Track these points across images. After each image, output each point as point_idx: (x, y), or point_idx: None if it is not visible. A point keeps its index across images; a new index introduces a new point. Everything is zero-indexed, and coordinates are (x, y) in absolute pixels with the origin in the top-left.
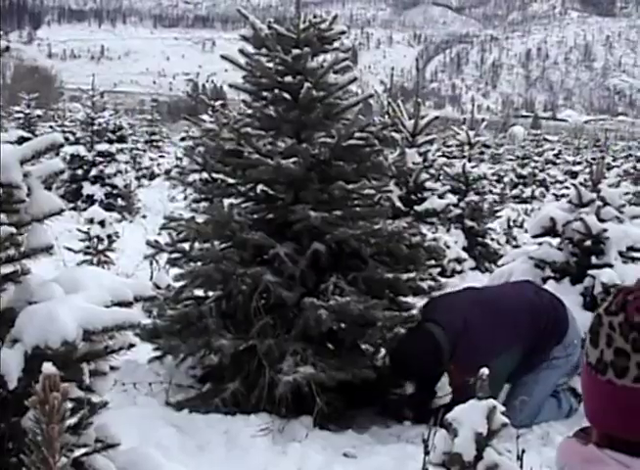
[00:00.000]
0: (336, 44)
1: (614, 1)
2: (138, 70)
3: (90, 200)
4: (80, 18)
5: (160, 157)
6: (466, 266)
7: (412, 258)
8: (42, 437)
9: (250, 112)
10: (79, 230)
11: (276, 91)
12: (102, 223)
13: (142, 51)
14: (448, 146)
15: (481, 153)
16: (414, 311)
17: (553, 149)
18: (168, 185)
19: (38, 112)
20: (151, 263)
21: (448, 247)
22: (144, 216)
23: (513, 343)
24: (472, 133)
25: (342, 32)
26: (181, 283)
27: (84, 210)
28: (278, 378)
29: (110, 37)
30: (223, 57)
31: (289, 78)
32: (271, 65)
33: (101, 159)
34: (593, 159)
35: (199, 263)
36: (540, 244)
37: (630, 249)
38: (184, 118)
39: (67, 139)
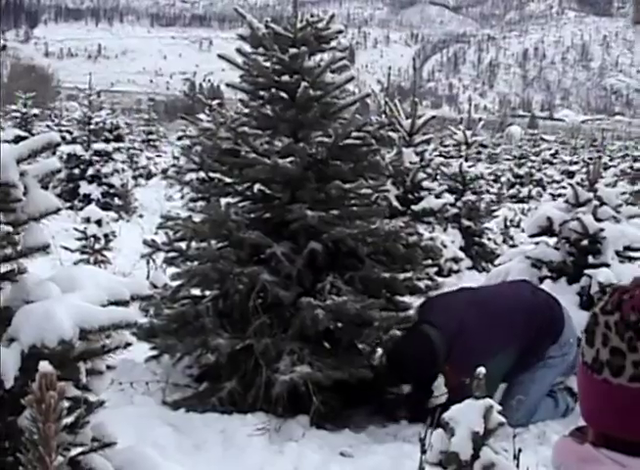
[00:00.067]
0: (333, 43)
1: (611, 1)
2: (135, 70)
3: (87, 199)
4: (77, 16)
5: (157, 156)
6: (463, 266)
7: (409, 258)
8: (39, 436)
9: (247, 111)
10: (76, 229)
11: (273, 90)
12: (99, 222)
13: (139, 50)
14: (445, 145)
15: (479, 152)
16: (411, 311)
17: (550, 149)
18: (165, 184)
19: (35, 111)
20: (147, 263)
21: (445, 246)
22: (141, 216)
23: (509, 343)
24: (469, 133)
25: (340, 32)
26: (178, 282)
27: (81, 209)
28: (275, 377)
29: (107, 36)
30: (220, 56)
31: (286, 78)
32: (268, 64)
33: (98, 158)
34: (590, 158)
35: (195, 263)
36: (537, 243)
37: (627, 248)
38: (181, 118)
39: (63, 138)
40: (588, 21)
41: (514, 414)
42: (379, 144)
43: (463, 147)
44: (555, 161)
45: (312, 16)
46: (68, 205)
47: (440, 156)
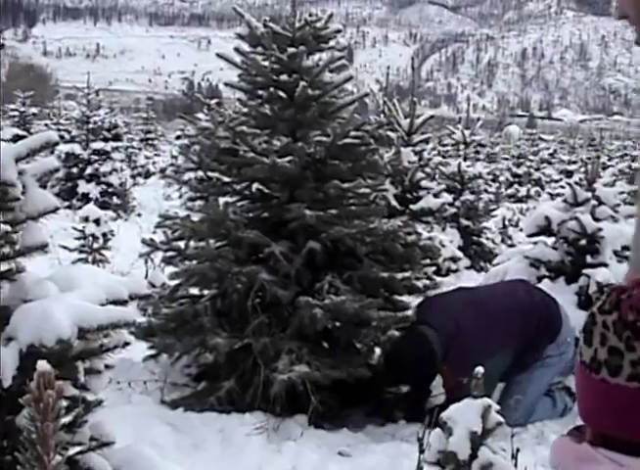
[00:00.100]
0: (331, 43)
1: (609, 0)
2: (133, 69)
3: (85, 198)
4: (76, 16)
5: (156, 155)
6: (461, 265)
7: (407, 257)
8: (37, 435)
9: (245, 110)
10: (74, 228)
11: (271, 90)
12: (97, 222)
13: (137, 49)
14: (444, 145)
15: (477, 152)
16: (409, 311)
17: (548, 148)
18: (164, 183)
19: (33, 110)
20: (146, 262)
21: (443, 246)
22: (139, 215)
23: (506, 343)
24: (467, 132)
25: (338, 31)
26: (176, 281)
27: (79, 208)
28: (273, 377)
29: (105, 35)
30: (219, 55)
31: (284, 77)
32: (267, 63)
33: (96, 157)
34: (588, 158)
35: (194, 262)
36: (535, 243)
37: (625, 248)
38: (179, 117)
39: (62, 137)
40: (587, 20)
41: (512, 414)
42: (377, 143)
43: (461, 146)
44: (553, 160)
45: (311, 15)
46: (67, 204)
47: (439, 155)
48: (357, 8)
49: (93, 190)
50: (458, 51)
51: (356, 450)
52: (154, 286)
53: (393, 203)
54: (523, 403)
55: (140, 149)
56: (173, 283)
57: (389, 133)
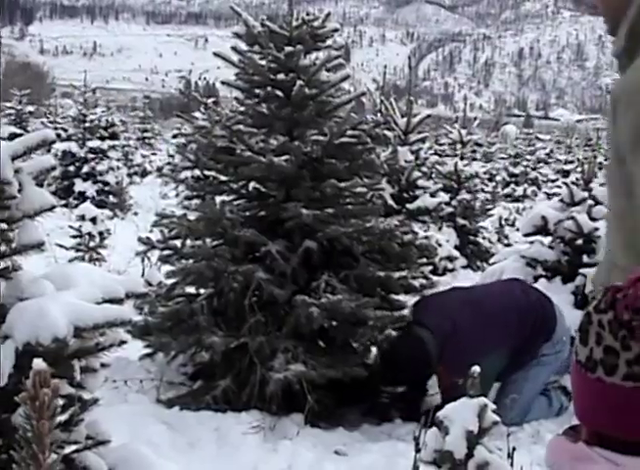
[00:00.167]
0: (328, 42)
1: None
2: (130, 67)
3: (82, 197)
4: (72, 14)
5: (152, 154)
6: (458, 265)
7: (404, 257)
8: (32, 433)
9: (242, 109)
10: (71, 227)
11: (268, 88)
12: (93, 220)
13: (134, 48)
14: (441, 144)
15: (474, 151)
16: (405, 310)
17: (545, 148)
18: (160, 182)
19: (30, 108)
20: (142, 260)
21: (440, 245)
22: (135, 213)
23: (502, 343)
24: (464, 132)
25: (335, 30)
26: (172, 280)
27: (76, 206)
28: (269, 375)
29: (102, 34)
30: (216, 54)
31: (281, 76)
32: (264, 62)
33: (93, 155)
34: (585, 158)
35: (190, 261)
36: (532, 242)
37: None
38: (176, 116)
39: (58, 136)
40: (584, 20)
41: (508, 413)
42: (374, 142)
43: (458, 146)
44: (550, 160)
45: (308, 14)
46: (63, 202)
47: (436, 154)
48: (354, 7)
49: (90, 188)
50: (455, 50)
51: (352, 449)
52: (150, 285)
53: (390, 202)
54: (519, 402)
55: (137, 147)
56: (170, 282)
57: (386, 132)
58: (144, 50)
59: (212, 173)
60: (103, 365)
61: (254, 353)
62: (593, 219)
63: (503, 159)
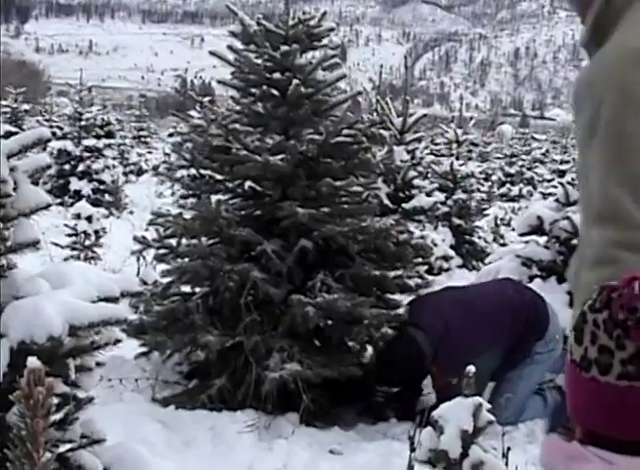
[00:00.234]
0: (324, 41)
1: None
2: (126, 66)
3: (77, 195)
4: (68, 12)
5: (148, 152)
6: (453, 264)
7: (399, 256)
8: (27, 432)
9: (238, 108)
10: (66, 225)
11: (264, 87)
12: (89, 219)
13: (130, 46)
14: (436, 144)
15: (469, 151)
16: (401, 309)
17: (541, 147)
18: (156, 181)
19: (25, 106)
20: (138, 259)
21: (435, 245)
22: (131, 212)
23: (495, 342)
24: (460, 131)
25: (331, 29)
26: (168, 279)
27: (71, 205)
28: (264, 375)
29: (98, 32)
30: (212, 53)
31: (277, 75)
32: (260, 61)
33: (88, 154)
34: None
35: (186, 259)
36: (527, 242)
37: None
38: (172, 114)
39: (54, 134)
40: (580, 20)
41: (503, 412)
42: (370, 142)
43: (454, 145)
44: (546, 160)
45: (304, 13)
46: (59, 201)
47: (431, 154)
48: (350, 6)
49: (85, 187)
50: (451, 50)
51: (347, 449)
52: (145, 283)
53: (386, 201)
54: (513, 401)
55: (132, 146)
56: (165, 281)
57: (382, 132)
58: (140, 49)
59: (208, 172)
60: (98, 364)
61: (250, 353)
62: None
63: (499, 158)
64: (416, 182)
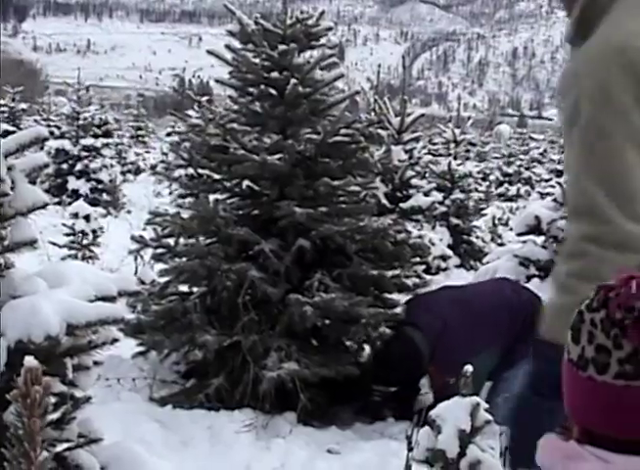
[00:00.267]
0: (322, 40)
1: None
2: (124, 65)
3: (75, 194)
4: (66, 11)
5: (146, 152)
6: (451, 264)
7: (397, 255)
8: (24, 431)
9: (235, 107)
10: (64, 225)
11: (262, 87)
12: (87, 218)
13: (128, 45)
14: (434, 144)
15: (467, 151)
16: (398, 309)
17: (538, 147)
18: (154, 180)
19: (23, 105)
20: (135, 259)
21: (433, 244)
22: (129, 211)
23: (492, 342)
24: (458, 131)
25: (329, 29)
26: (166, 278)
27: (69, 204)
28: (262, 374)
29: (96, 31)
30: (209, 52)
31: (275, 74)
32: (257, 60)
33: (86, 153)
34: None
35: (183, 259)
36: (525, 242)
37: None
38: (170, 114)
39: (52, 133)
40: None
41: (500, 412)
42: (368, 141)
43: (452, 145)
44: (544, 159)
45: (302, 12)
46: (56, 200)
47: (429, 154)
48: (349, 6)
49: (83, 186)
50: (449, 50)
51: (345, 448)
52: (143, 283)
53: (383, 201)
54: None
55: (130, 146)
56: (163, 280)
57: (380, 131)
58: (138, 48)
59: (206, 172)
60: (95, 363)
61: (248, 352)
62: None
63: (497, 158)
64: (414, 182)
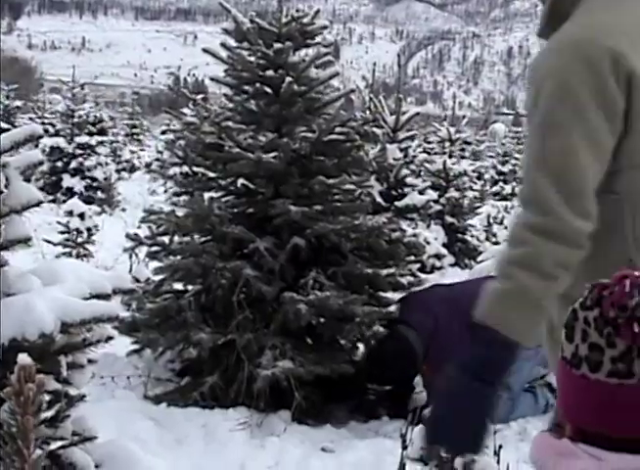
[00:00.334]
0: (318, 39)
1: None
2: (119, 63)
3: (70, 192)
4: (61, 9)
5: (141, 150)
6: (446, 263)
7: (392, 254)
8: (17, 428)
9: (231, 105)
10: (59, 223)
11: (257, 85)
12: (81, 216)
13: (123, 43)
14: (429, 142)
15: (462, 149)
16: (393, 307)
17: None
18: (149, 178)
19: (18, 103)
20: (130, 257)
21: (428, 243)
22: (124, 209)
23: None
24: (453, 130)
25: (325, 27)
26: (160, 276)
27: (64, 202)
28: (257, 372)
29: (91, 29)
30: (205, 50)
31: (270, 72)
32: (253, 58)
33: (81, 151)
34: None
35: (178, 257)
36: None
37: None
38: (165, 112)
39: (46, 131)
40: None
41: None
42: (363, 140)
43: (447, 144)
44: None
45: (297, 11)
46: (51, 198)
47: (424, 152)
48: (344, 4)
49: (77, 184)
50: (444, 48)
51: (339, 446)
52: (138, 281)
53: (378, 199)
54: (503, 399)
55: (125, 144)
56: (157, 278)
57: (375, 130)
58: (133, 46)
59: (201, 170)
60: (90, 361)
61: (242, 350)
62: None
63: (492, 157)
64: (409, 180)
